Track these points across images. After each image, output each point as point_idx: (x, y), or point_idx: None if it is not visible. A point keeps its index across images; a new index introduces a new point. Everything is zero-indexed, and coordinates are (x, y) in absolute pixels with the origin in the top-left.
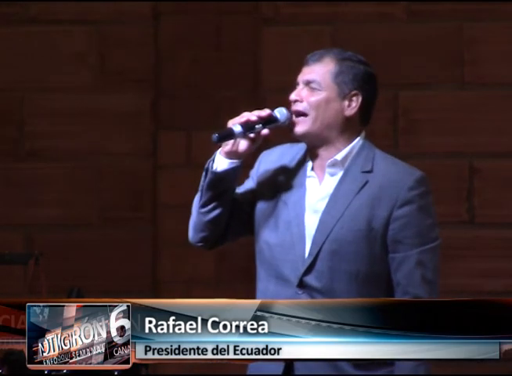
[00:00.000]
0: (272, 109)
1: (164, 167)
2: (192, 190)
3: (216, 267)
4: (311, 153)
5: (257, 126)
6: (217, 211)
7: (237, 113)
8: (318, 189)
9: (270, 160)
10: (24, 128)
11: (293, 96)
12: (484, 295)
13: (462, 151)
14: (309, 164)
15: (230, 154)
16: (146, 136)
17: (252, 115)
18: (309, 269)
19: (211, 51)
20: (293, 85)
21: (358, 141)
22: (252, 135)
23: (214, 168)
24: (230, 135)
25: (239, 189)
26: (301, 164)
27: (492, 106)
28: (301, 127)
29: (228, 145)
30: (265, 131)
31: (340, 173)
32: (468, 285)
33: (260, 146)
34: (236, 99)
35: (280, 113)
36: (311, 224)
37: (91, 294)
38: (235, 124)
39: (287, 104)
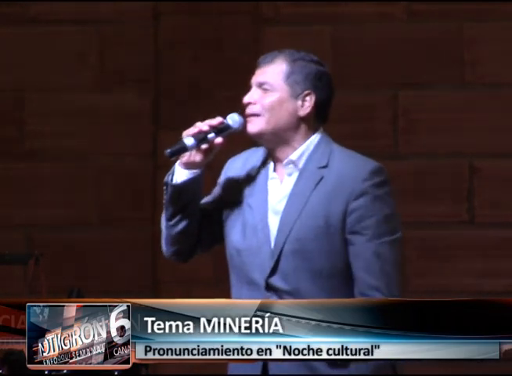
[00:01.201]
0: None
1: (164, 167)
2: None
3: (216, 267)
4: (270, 155)
5: (209, 136)
6: (184, 223)
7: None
8: (278, 189)
9: (235, 166)
10: (24, 128)
11: (246, 99)
12: (485, 295)
13: (462, 151)
14: (271, 165)
15: (188, 165)
16: (146, 136)
17: (203, 125)
18: (274, 271)
19: (211, 51)
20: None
21: (314, 138)
22: (205, 145)
23: (174, 180)
24: (183, 149)
25: (208, 198)
26: (264, 166)
27: (492, 106)
28: (254, 126)
29: (185, 156)
30: (219, 139)
31: (297, 172)
32: (468, 285)
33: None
34: (236, 99)
35: (232, 119)
36: (273, 225)
37: (91, 294)
38: (187, 136)
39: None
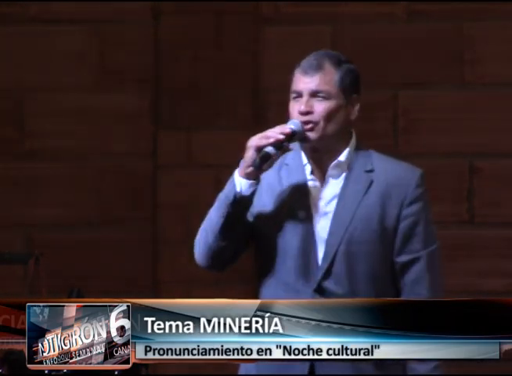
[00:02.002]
0: (275, 110)
1: (163, 167)
2: (192, 190)
3: None
4: (310, 158)
5: (284, 144)
6: (235, 235)
7: (237, 113)
8: (322, 192)
9: None
10: (24, 128)
11: (303, 108)
12: (484, 295)
13: (462, 151)
14: (307, 168)
15: (252, 174)
16: (146, 136)
17: (277, 134)
18: (327, 274)
19: (211, 51)
20: (290, 92)
21: (353, 141)
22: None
23: (238, 190)
24: (268, 157)
25: None
26: (297, 169)
27: (492, 106)
28: (315, 134)
29: (251, 166)
30: (291, 146)
31: (343, 174)
32: (468, 285)
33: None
34: (236, 99)
35: (295, 125)
36: (321, 228)
37: (91, 294)
38: (266, 146)
39: (286, 106)
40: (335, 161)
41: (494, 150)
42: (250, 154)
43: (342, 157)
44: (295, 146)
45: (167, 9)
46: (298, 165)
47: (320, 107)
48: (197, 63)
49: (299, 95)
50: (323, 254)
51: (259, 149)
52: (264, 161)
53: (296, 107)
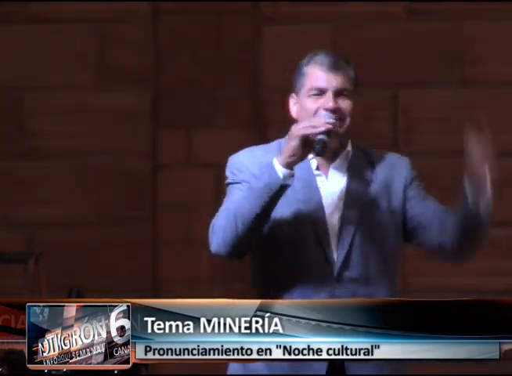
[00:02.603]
0: (275, 109)
1: (163, 166)
2: (192, 189)
3: (216, 266)
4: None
5: (332, 133)
6: (263, 223)
7: (236, 112)
8: (329, 185)
9: (257, 159)
10: (24, 128)
11: (331, 105)
12: (485, 295)
13: (462, 150)
14: (313, 162)
15: (294, 164)
16: (145, 136)
17: (326, 124)
18: (346, 262)
19: (211, 50)
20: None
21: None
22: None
23: (283, 179)
24: (326, 145)
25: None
26: (302, 164)
27: (492, 105)
28: (342, 129)
29: (295, 155)
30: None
31: (345, 166)
32: (468, 285)
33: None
34: (236, 98)
35: (330, 117)
36: (334, 220)
37: (91, 294)
38: (319, 134)
39: (285, 104)
40: (341, 154)
41: (494, 150)
42: (295, 144)
43: (346, 149)
44: None
45: (167, 8)
46: (303, 161)
47: (345, 105)
48: (197, 63)
49: (322, 92)
50: (340, 244)
51: (305, 138)
52: (325, 148)
53: (317, 104)
